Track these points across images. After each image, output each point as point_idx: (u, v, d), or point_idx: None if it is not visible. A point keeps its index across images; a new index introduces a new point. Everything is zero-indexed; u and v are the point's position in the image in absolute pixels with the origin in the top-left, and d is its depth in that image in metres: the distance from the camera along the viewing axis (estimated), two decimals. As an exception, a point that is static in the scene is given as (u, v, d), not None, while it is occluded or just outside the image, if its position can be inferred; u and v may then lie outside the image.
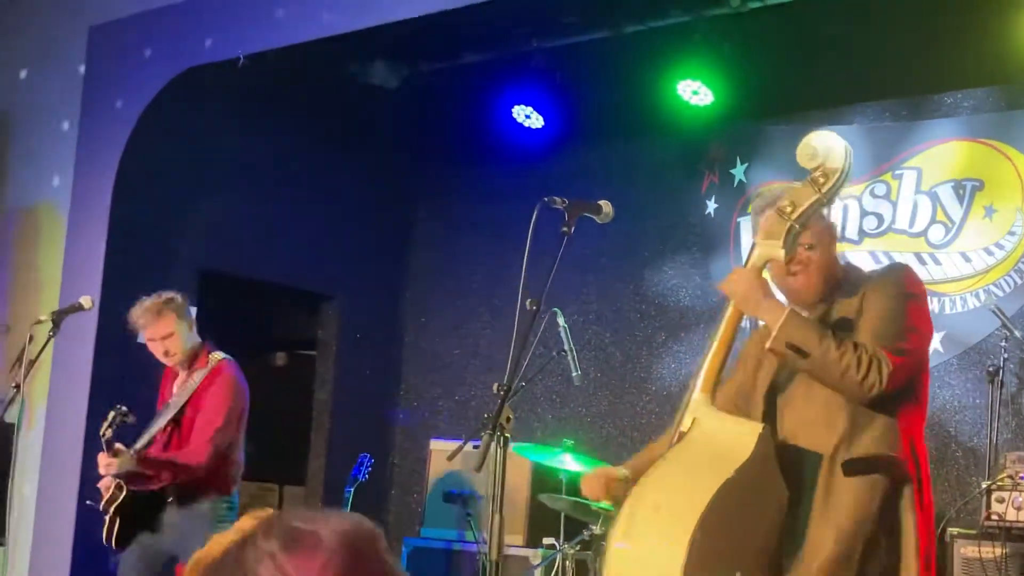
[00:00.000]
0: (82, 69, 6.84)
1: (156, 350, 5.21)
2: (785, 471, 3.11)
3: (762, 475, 3.07)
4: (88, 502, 5.28)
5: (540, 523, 6.03)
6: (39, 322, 5.13)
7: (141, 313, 5.17)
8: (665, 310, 6.90)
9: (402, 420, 7.72)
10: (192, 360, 5.24)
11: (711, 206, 6.83)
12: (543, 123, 6.98)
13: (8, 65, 7.26)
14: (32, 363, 5.03)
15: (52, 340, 5.08)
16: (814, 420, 3.22)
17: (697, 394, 3.19)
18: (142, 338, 5.32)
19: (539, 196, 3.61)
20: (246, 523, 2.40)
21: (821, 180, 3.18)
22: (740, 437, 3.08)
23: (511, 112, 6.98)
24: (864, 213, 6.40)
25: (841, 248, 6.41)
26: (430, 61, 6.94)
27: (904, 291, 3.34)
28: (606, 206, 3.52)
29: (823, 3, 5.71)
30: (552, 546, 5.82)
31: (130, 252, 6.48)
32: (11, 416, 5.26)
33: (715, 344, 3.23)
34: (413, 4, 5.77)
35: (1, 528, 6.34)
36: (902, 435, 3.25)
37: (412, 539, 6.50)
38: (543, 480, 6.08)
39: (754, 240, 3.33)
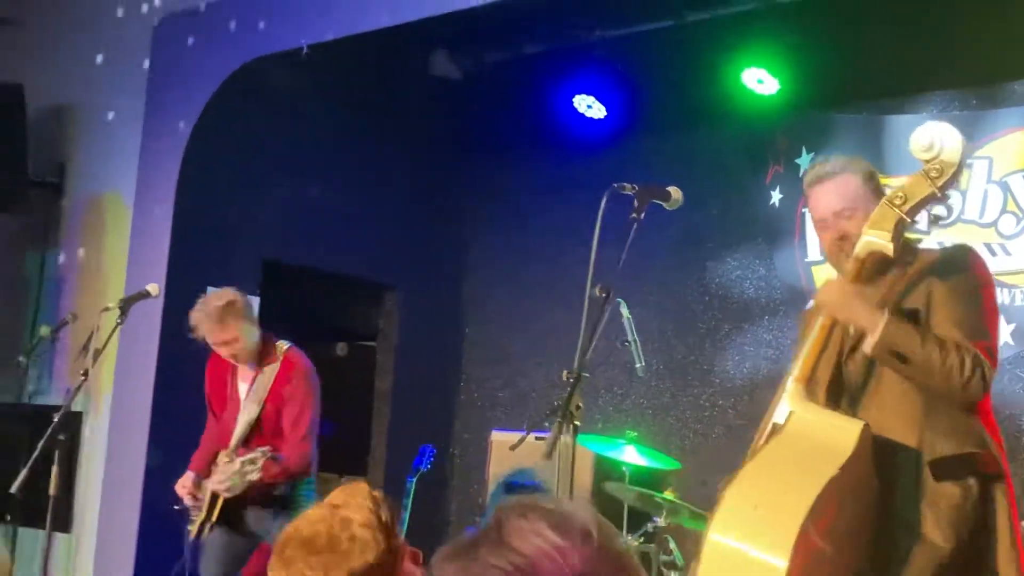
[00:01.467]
0: (147, 61, 6.90)
1: (222, 352, 5.21)
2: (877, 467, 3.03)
3: (862, 474, 2.97)
4: (176, 507, 5.29)
5: (603, 514, 5.95)
6: (106, 309, 5.17)
7: (203, 319, 5.10)
8: (729, 301, 6.83)
9: None
10: (259, 354, 5.25)
11: (776, 196, 6.75)
12: (605, 113, 6.94)
13: (77, 56, 7.33)
14: (100, 351, 5.07)
15: (119, 328, 5.11)
16: (892, 420, 3.12)
17: (793, 385, 3.10)
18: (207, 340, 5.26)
19: (601, 186, 3.58)
20: (337, 496, 2.39)
21: (935, 174, 3.08)
22: (840, 433, 2.98)
23: (573, 102, 6.95)
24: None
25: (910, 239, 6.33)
26: (492, 51, 6.92)
27: (979, 280, 3.25)
28: (675, 192, 3.49)
29: (891, -9, 5.63)
30: (614, 538, 5.78)
31: (194, 241, 6.53)
32: (78, 404, 5.31)
33: (810, 344, 3.15)
34: (475, -6, 5.76)
35: (67, 516, 6.41)
36: (986, 429, 3.17)
37: (474, 529, 6.47)
38: (606, 471, 6.05)
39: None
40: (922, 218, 5.97)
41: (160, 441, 6.27)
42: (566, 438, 3.18)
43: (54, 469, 4.86)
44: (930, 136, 3.10)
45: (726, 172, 6.89)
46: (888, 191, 3.18)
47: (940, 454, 3.08)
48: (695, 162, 6.91)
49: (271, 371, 5.19)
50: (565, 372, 3.20)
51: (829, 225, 3.34)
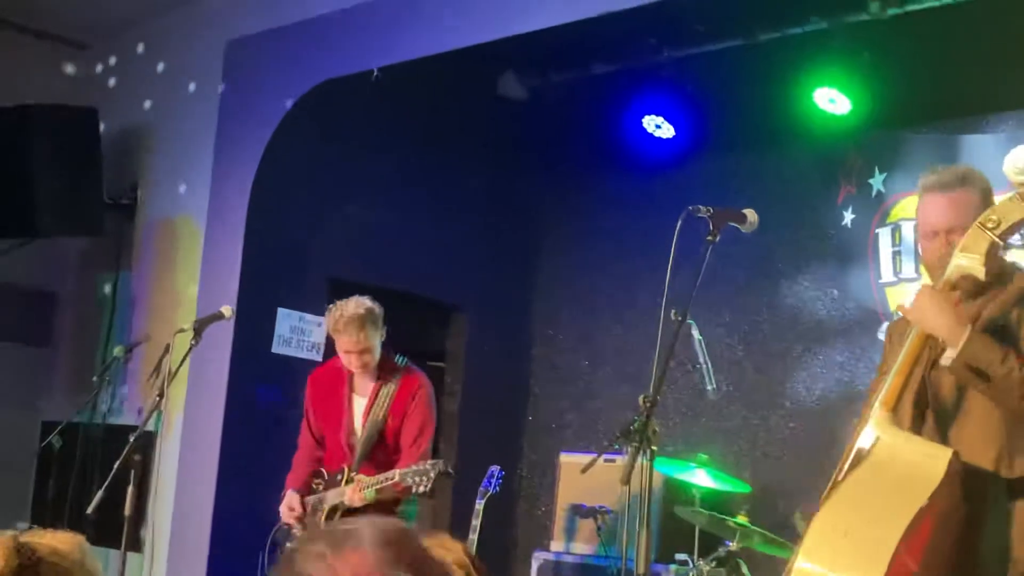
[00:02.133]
0: (220, 83, 6.98)
1: (351, 361, 5.21)
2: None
3: (950, 502, 2.93)
4: (278, 527, 5.31)
5: (673, 538, 5.93)
6: (181, 331, 5.22)
7: (346, 321, 5.13)
8: (800, 323, 6.75)
9: None
10: (380, 368, 5.27)
11: (848, 217, 6.67)
12: (674, 133, 6.89)
13: (150, 80, 7.44)
14: (175, 372, 5.12)
15: (193, 349, 5.15)
16: (972, 433, 3.09)
17: (879, 411, 3.06)
18: (338, 345, 5.28)
19: (670, 207, 3.56)
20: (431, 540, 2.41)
21: None
22: (929, 460, 2.94)
23: (641, 122, 6.91)
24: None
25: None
26: (560, 72, 6.92)
27: None
28: (751, 215, 3.46)
29: (963, 10, 5.53)
30: (684, 562, 5.73)
31: (264, 262, 6.58)
32: (150, 424, 5.35)
33: (900, 362, 3.11)
34: (543, 15, 5.75)
35: (139, 536, 6.46)
36: None
37: (542, 552, 6.46)
38: (675, 494, 5.99)
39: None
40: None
41: (230, 462, 6.31)
42: (642, 461, 3.14)
43: (129, 489, 4.90)
44: None
45: (798, 192, 6.82)
46: (981, 215, 3.12)
47: (1019, 474, 3.05)
48: (766, 182, 6.85)
49: (393, 385, 5.23)
50: (642, 397, 3.17)
51: (937, 237, 3.31)
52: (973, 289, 3.19)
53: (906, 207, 6.51)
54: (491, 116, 7.24)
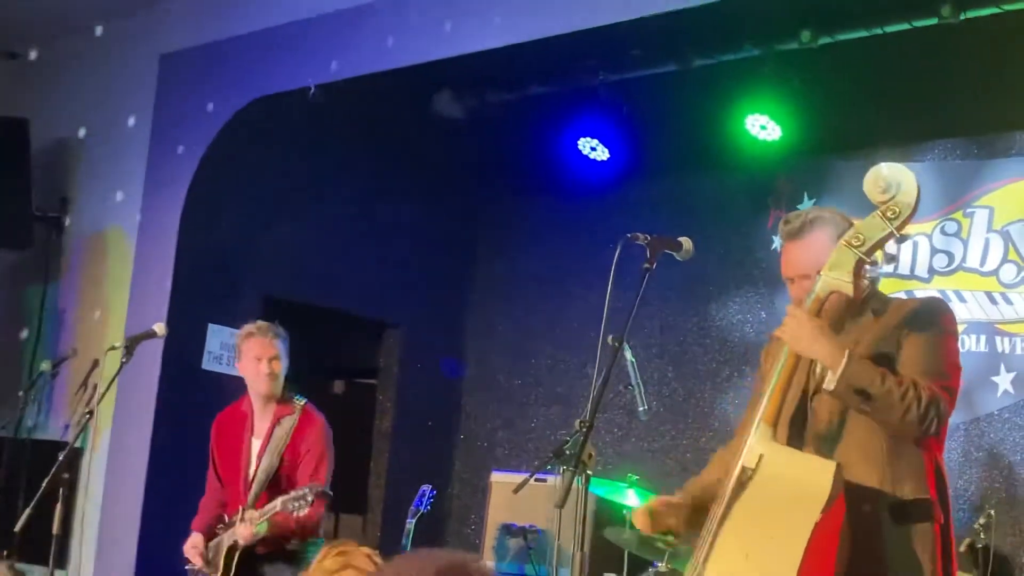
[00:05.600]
0: (152, 96, 6.92)
1: (260, 370, 5.20)
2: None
3: (838, 516, 2.96)
4: (189, 567, 5.27)
5: (602, 559, 5.96)
6: (113, 348, 5.17)
7: (258, 326, 5.25)
8: (729, 345, 6.84)
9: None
10: (279, 400, 5.26)
11: (777, 241, 6.77)
12: (609, 156, 6.95)
13: (81, 92, 7.36)
14: (106, 389, 5.06)
15: (124, 366, 5.10)
16: (854, 458, 3.12)
17: (762, 427, 3.09)
18: (239, 358, 5.30)
19: (604, 229, 3.61)
20: (327, 561, 2.41)
21: (891, 214, 3.13)
22: (814, 475, 2.98)
23: (577, 144, 6.97)
24: (934, 251, 6.32)
25: (911, 286, 6.35)
26: (497, 93, 6.94)
27: (947, 328, 3.29)
28: (686, 243, 3.51)
29: (894, 40, 5.65)
30: (614, 583, 5.77)
31: (196, 277, 6.54)
32: (77, 441, 5.29)
33: (776, 382, 3.14)
34: (481, 38, 5.79)
35: (65, 553, 6.37)
36: (930, 469, 3.19)
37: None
38: (606, 515, 6.03)
39: (819, 272, 3.21)
40: (923, 266, 5.98)
41: (158, 479, 6.25)
42: (578, 484, 3.16)
43: (57, 507, 4.83)
44: (885, 177, 3.14)
45: (728, 216, 6.92)
46: (846, 234, 3.19)
47: (900, 497, 3.11)
48: (698, 206, 6.94)
49: (289, 423, 5.20)
50: (579, 420, 3.19)
51: (794, 284, 3.38)
52: (843, 309, 3.26)
53: (834, 233, 6.62)
54: (427, 135, 7.26)
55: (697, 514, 3.30)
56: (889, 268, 5.22)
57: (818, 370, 3.23)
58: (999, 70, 5.83)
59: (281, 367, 5.23)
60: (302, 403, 5.27)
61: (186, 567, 5.27)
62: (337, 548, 2.59)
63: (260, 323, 5.29)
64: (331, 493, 5.03)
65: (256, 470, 5.19)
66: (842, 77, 6.09)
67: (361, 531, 7.59)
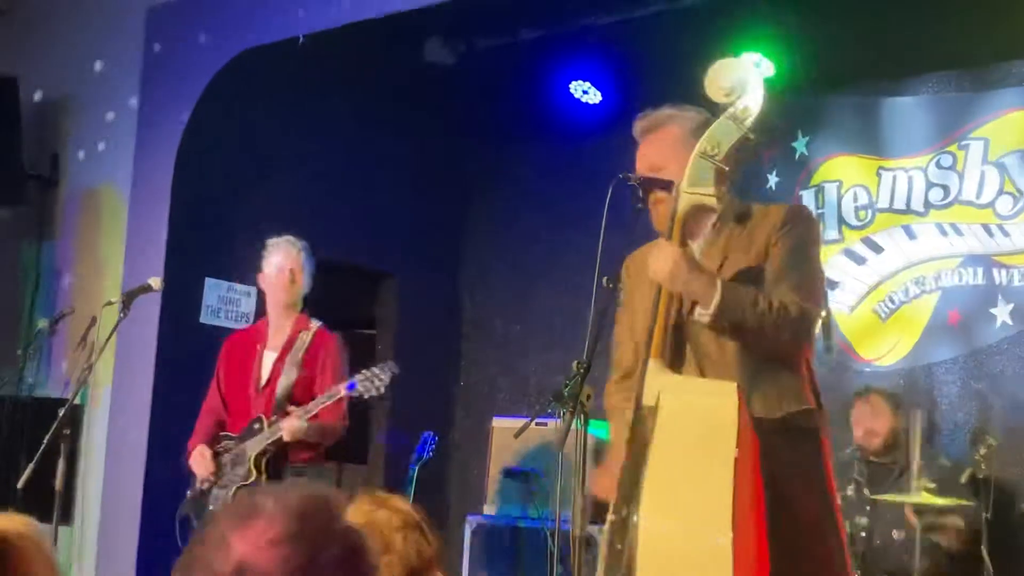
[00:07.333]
0: (140, 51, 6.87)
1: (282, 279, 5.26)
2: None
3: (749, 437, 2.92)
4: (195, 486, 5.26)
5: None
6: (109, 304, 5.16)
7: (282, 241, 5.32)
8: (726, 284, 6.82)
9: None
10: (296, 323, 5.28)
11: (772, 179, 6.76)
12: (600, 98, 6.93)
13: (70, 48, 7.30)
14: (104, 345, 5.07)
15: (121, 322, 5.10)
16: (732, 373, 3.10)
17: (653, 363, 3.04)
18: (266, 264, 5.33)
19: (598, 172, 3.57)
20: (363, 505, 2.49)
21: (742, 114, 3.06)
22: (719, 400, 2.91)
23: (568, 88, 6.93)
24: (930, 185, 6.31)
25: (907, 220, 6.34)
26: (486, 38, 6.89)
27: (813, 237, 3.29)
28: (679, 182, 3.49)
29: (887, -28, 5.62)
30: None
31: (191, 232, 6.52)
32: (77, 397, 5.30)
33: (658, 315, 3.09)
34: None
35: (69, 509, 6.40)
36: (807, 378, 3.19)
37: (475, 516, 6.50)
38: (606, 455, 6.04)
39: (677, 187, 3.14)
40: (919, 200, 5.95)
41: (159, 433, 6.27)
42: (577, 426, 3.16)
43: (59, 463, 4.85)
44: (729, 77, 3.08)
45: (723, 156, 6.87)
46: (698, 143, 3.10)
47: (787, 411, 3.10)
48: (692, 146, 6.88)
49: (306, 337, 5.23)
50: (576, 362, 3.19)
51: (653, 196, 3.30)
52: (706, 221, 3.22)
53: (829, 170, 6.61)
54: (418, 83, 7.21)
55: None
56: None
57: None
58: (992, 1, 5.78)
59: (303, 281, 5.30)
60: (318, 324, 5.32)
61: (183, 503, 5.27)
62: (371, 495, 2.65)
63: (289, 237, 5.36)
64: (398, 371, 4.99)
65: (272, 380, 5.18)
66: (835, 12, 6.03)
67: (364, 480, 7.62)
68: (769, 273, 3.16)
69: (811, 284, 3.19)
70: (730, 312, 3.03)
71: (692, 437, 2.95)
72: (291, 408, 5.00)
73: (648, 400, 3.01)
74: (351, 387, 4.84)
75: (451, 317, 7.86)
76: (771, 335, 3.05)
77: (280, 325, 5.31)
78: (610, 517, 3.01)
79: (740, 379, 3.07)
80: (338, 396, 4.88)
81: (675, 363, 3.17)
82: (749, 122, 3.04)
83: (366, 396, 4.87)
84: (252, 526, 1.40)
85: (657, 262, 3.11)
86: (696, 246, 3.26)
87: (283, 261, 5.28)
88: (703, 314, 3.06)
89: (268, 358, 5.28)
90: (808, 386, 3.19)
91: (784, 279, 3.12)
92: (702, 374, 3.17)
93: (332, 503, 1.46)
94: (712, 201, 3.09)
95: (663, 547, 2.84)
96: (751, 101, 3.03)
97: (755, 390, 3.09)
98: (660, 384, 3.00)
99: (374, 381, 4.84)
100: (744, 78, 3.04)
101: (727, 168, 3.09)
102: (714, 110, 3.23)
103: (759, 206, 3.41)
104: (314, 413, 4.92)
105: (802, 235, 3.22)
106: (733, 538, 2.72)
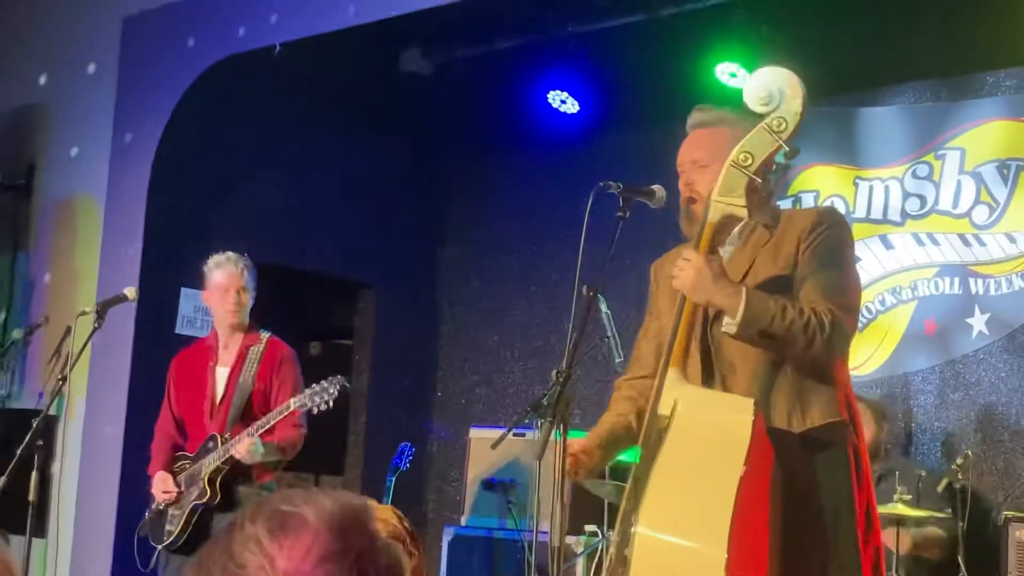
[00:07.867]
0: (116, 61, 6.84)
1: (227, 300, 5.20)
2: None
3: (762, 454, 2.88)
4: (153, 506, 5.23)
5: (583, 510, 5.97)
6: (83, 313, 5.12)
7: (223, 260, 5.25)
8: (704, 295, 6.82)
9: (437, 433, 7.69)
10: (246, 331, 5.25)
11: (749, 189, 6.76)
12: (579, 108, 6.92)
13: (44, 58, 7.26)
14: (78, 355, 5.03)
15: (95, 332, 5.06)
16: (760, 390, 3.05)
17: (670, 372, 3.00)
18: (210, 284, 5.29)
19: (576, 182, 3.57)
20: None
21: (778, 126, 2.99)
22: (735, 416, 2.88)
23: (546, 98, 6.93)
24: (906, 195, 6.32)
25: (883, 230, 6.36)
26: (464, 47, 6.88)
27: (845, 241, 3.21)
28: (659, 191, 3.48)
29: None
30: (595, 533, 5.78)
31: (167, 242, 6.48)
32: (52, 408, 5.26)
33: (680, 322, 3.04)
34: (447, -9, 5.73)
35: (43, 521, 6.34)
36: (840, 392, 3.13)
37: (453, 527, 6.47)
38: (584, 467, 6.02)
39: (710, 196, 3.09)
40: (895, 210, 5.96)
41: (134, 445, 6.21)
42: (556, 436, 3.14)
43: (33, 475, 4.81)
44: (767, 87, 2.99)
45: (700, 166, 6.87)
46: (732, 152, 3.05)
47: (808, 426, 3.04)
48: (670, 156, 6.80)
49: (257, 351, 5.20)
50: (555, 371, 3.16)
51: (684, 172, 3.29)
52: (732, 230, 3.16)
53: (806, 180, 6.62)
54: (396, 92, 7.19)
55: (608, 452, 3.37)
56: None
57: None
58: (968, 11, 5.81)
59: (248, 298, 5.24)
60: (268, 335, 5.27)
61: (141, 524, 5.24)
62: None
63: (229, 254, 5.28)
64: (348, 385, 4.98)
65: (227, 397, 5.15)
66: (810, 22, 6.05)
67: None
68: (799, 279, 3.09)
69: (845, 289, 3.11)
70: (757, 322, 2.96)
71: (701, 450, 2.91)
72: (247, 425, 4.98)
73: (664, 409, 2.97)
74: (299, 403, 4.84)
75: (429, 327, 7.83)
76: (802, 345, 2.97)
77: (229, 341, 5.29)
78: (619, 523, 2.99)
79: (763, 391, 3.02)
80: (288, 412, 4.86)
81: (704, 374, 3.13)
82: (785, 134, 2.98)
83: (315, 410, 4.85)
84: (295, 541, 1.35)
85: (680, 272, 3.05)
86: (722, 253, 3.19)
87: (227, 281, 5.23)
88: (730, 324, 2.99)
89: (221, 374, 5.26)
90: (841, 397, 3.10)
91: (816, 285, 3.05)
92: (724, 384, 3.12)
93: (367, 515, 1.43)
94: (743, 212, 3.01)
95: (657, 560, 2.81)
96: (788, 112, 2.96)
97: (778, 402, 3.04)
98: (677, 394, 2.96)
99: (323, 395, 4.83)
100: (784, 89, 2.97)
101: (759, 180, 3.02)
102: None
103: (786, 210, 3.35)
104: (267, 428, 4.89)
105: (834, 237, 3.14)
106: (728, 556, 2.69)
